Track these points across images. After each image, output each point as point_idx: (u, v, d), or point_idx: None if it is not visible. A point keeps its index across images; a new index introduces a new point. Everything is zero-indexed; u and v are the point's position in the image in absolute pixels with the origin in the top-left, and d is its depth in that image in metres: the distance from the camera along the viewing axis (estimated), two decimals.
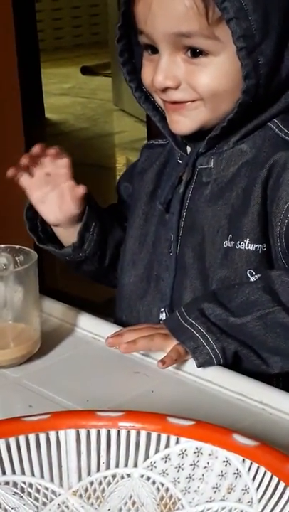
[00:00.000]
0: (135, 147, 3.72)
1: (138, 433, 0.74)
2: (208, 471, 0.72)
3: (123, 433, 0.74)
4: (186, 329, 1.00)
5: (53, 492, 0.74)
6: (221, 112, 1.06)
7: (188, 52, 1.04)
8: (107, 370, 1.03)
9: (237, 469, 0.71)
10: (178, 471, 0.73)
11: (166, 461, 0.73)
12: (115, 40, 1.11)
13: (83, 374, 1.02)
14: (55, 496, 0.74)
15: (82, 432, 0.74)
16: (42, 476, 0.74)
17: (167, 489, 0.73)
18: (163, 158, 1.20)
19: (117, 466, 0.74)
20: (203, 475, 0.72)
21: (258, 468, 0.70)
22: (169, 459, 0.73)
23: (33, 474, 0.74)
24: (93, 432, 0.74)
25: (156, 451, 0.73)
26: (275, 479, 0.68)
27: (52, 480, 0.74)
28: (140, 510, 0.73)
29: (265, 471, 0.69)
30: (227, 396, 0.96)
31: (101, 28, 6.54)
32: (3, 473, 0.73)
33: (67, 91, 5.65)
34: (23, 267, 1.02)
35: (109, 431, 0.74)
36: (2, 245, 1.05)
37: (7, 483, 0.73)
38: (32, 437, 0.74)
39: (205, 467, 0.72)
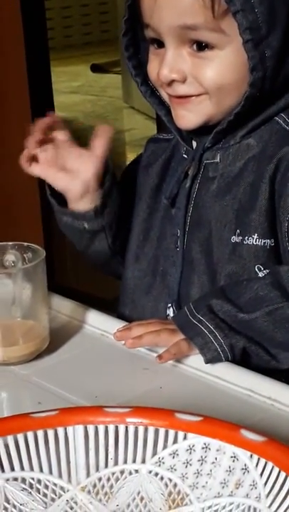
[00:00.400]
0: None
1: (146, 429, 0.74)
2: (216, 466, 0.72)
3: (131, 429, 0.74)
4: (194, 325, 1.01)
5: (62, 488, 0.74)
6: (225, 106, 1.06)
7: (194, 46, 1.04)
8: (115, 367, 1.03)
9: (245, 465, 0.71)
10: (186, 466, 0.73)
11: (174, 457, 0.73)
12: (121, 34, 1.11)
13: (92, 370, 1.02)
14: (64, 491, 0.74)
15: (91, 428, 0.75)
16: (50, 472, 0.74)
17: (175, 485, 0.73)
18: (168, 153, 1.20)
19: (125, 462, 0.74)
20: (211, 470, 0.72)
21: (266, 463, 0.69)
22: (177, 454, 0.73)
23: (41, 470, 0.74)
24: (101, 428, 0.75)
25: (164, 446, 0.73)
26: (283, 474, 0.68)
27: (60, 476, 0.74)
28: (148, 506, 0.73)
29: (273, 467, 0.69)
30: (235, 392, 0.96)
31: (110, 26, 6.53)
32: (12, 469, 0.74)
33: (76, 89, 5.65)
34: (31, 264, 1.02)
35: (117, 427, 0.74)
36: (10, 243, 1.05)
37: (16, 479, 0.74)
38: (40, 433, 0.74)
39: (213, 463, 0.72)
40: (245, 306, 1.01)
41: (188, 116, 1.07)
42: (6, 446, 0.73)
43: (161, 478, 0.73)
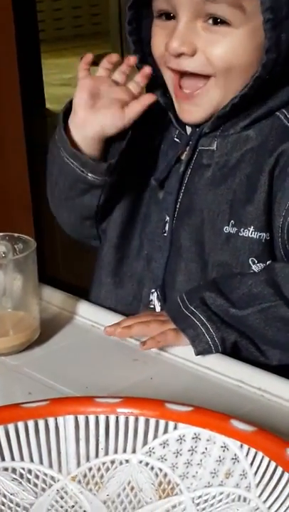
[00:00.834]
0: None
1: (136, 419, 0.74)
2: (206, 456, 0.72)
3: (121, 419, 0.74)
4: (186, 317, 1.01)
5: (52, 478, 0.74)
6: (231, 91, 1.05)
7: (210, 20, 1.02)
8: (106, 358, 1.03)
9: (235, 454, 0.71)
10: (176, 456, 0.73)
11: (164, 447, 0.73)
12: (126, 7, 1.09)
13: (82, 361, 1.02)
14: (54, 481, 0.74)
15: (81, 418, 0.75)
16: (41, 462, 0.74)
17: (166, 475, 0.73)
18: (158, 135, 1.16)
19: (115, 452, 0.74)
20: (201, 460, 0.72)
21: (256, 453, 0.70)
22: (168, 444, 0.73)
23: (32, 460, 0.74)
24: (92, 418, 0.75)
25: (155, 437, 0.74)
26: (273, 464, 0.69)
27: (51, 466, 0.74)
28: (139, 496, 0.73)
29: (263, 456, 0.69)
30: (226, 383, 0.96)
31: (102, 19, 6.51)
32: (2, 459, 0.74)
33: (68, 81, 5.63)
34: (22, 255, 1.02)
35: (107, 417, 0.75)
36: (1, 233, 1.05)
37: (6, 469, 0.74)
38: (31, 424, 0.74)
39: (203, 452, 0.72)
40: (238, 301, 1.00)
41: (196, 111, 1.07)
42: None
43: (152, 468, 0.74)
